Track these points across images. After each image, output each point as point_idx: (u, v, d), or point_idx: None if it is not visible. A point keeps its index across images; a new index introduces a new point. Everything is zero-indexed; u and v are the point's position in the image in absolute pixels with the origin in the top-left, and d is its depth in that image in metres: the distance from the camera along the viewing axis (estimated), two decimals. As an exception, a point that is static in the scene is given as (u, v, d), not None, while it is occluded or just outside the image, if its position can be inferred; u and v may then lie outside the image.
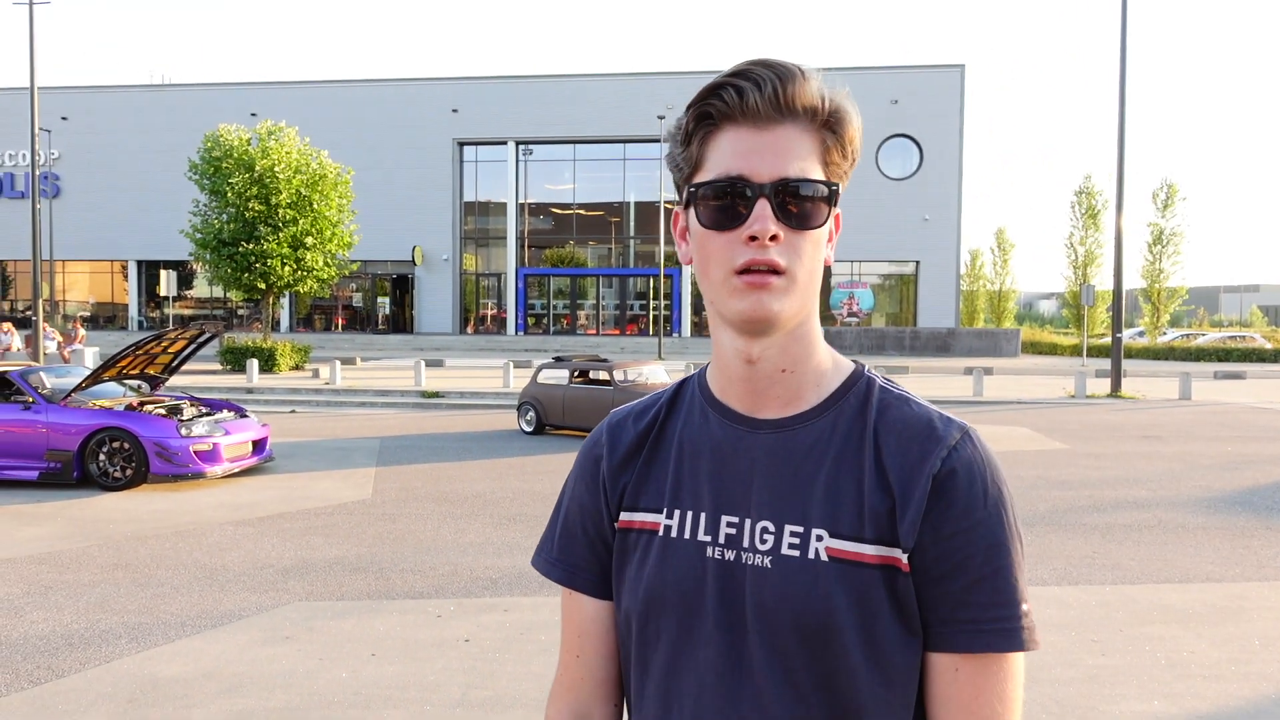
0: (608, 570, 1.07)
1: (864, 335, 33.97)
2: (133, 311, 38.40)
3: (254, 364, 19.96)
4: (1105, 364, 27.32)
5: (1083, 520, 7.72)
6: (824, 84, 0.92)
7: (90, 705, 4.07)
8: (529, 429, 13.37)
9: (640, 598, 1.00)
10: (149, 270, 37.65)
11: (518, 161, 36.47)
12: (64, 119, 36.60)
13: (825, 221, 0.94)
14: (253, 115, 30.90)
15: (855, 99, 0.95)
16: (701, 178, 0.94)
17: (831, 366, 1.01)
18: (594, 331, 36.65)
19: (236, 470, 9.57)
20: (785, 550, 0.94)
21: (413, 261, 36.22)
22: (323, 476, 9.81)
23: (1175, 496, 8.73)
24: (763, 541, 0.95)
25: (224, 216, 22.68)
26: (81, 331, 22.02)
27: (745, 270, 0.91)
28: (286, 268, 22.60)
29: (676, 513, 1.01)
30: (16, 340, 22.53)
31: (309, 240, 22.79)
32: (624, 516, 1.04)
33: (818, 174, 0.92)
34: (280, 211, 22.37)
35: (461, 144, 36.65)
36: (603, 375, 13.20)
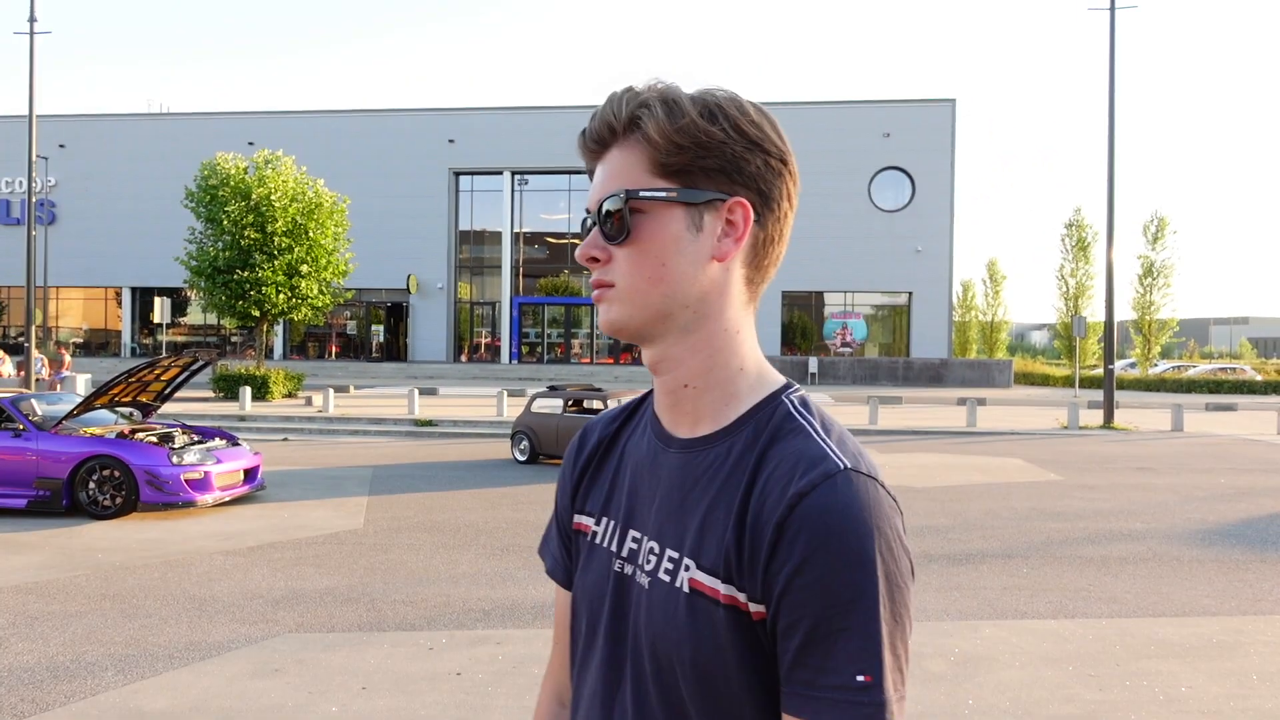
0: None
1: (857, 365, 34.15)
2: (126, 338, 38.32)
3: (247, 391, 19.86)
4: (1097, 395, 27.40)
5: (1078, 552, 7.71)
6: (640, 96, 0.92)
7: (75, 739, 4.00)
8: (523, 458, 13.33)
9: (574, 596, 1.06)
10: (143, 297, 37.56)
11: (513, 191, 36.68)
12: (61, 146, 36.74)
13: (631, 230, 0.92)
14: (250, 144, 31.04)
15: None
16: None
17: (749, 386, 0.96)
18: (588, 360, 36.68)
19: (228, 499, 9.50)
20: (661, 574, 0.93)
21: (407, 290, 36.28)
22: (314, 505, 9.75)
23: (1170, 529, 8.73)
24: (648, 561, 0.95)
25: (219, 244, 22.70)
26: (67, 358, 21.94)
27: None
28: (281, 295, 22.60)
29: (604, 520, 1.04)
30: (8, 367, 22.44)
31: (304, 268, 22.81)
32: (575, 518, 1.09)
33: (653, 183, 0.92)
34: (276, 239, 22.40)
35: (458, 173, 36.88)
36: (597, 404, 13.22)
